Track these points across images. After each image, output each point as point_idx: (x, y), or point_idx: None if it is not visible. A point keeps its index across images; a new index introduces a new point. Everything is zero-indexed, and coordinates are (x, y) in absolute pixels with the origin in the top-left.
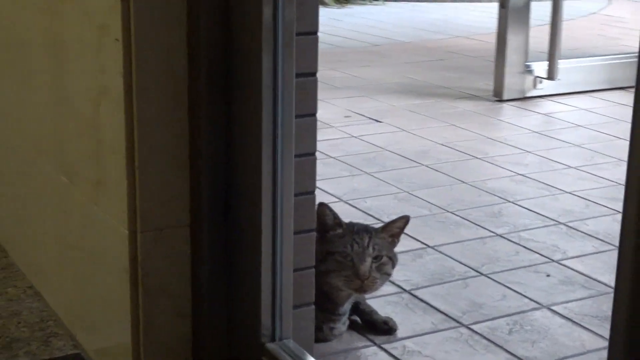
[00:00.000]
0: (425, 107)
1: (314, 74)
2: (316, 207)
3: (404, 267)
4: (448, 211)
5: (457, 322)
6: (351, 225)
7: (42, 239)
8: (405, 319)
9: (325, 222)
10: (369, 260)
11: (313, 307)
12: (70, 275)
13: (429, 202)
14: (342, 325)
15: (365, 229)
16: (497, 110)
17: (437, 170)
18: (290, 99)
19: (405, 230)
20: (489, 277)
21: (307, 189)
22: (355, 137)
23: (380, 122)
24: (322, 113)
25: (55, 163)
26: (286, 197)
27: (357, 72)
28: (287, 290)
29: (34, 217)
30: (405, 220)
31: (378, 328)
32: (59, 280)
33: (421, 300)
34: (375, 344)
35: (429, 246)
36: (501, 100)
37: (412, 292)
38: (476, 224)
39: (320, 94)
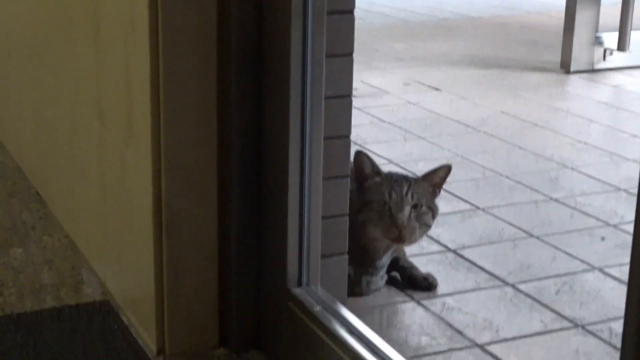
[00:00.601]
0: (488, 77)
1: (349, 54)
2: (353, 155)
3: (450, 228)
4: (503, 175)
5: (502, 281)
6: (390, 174)
7: (77, 186)
8: (447, 277)
9: (363, 170)
10: (407, 208)
11: (345, 257)
12: (102, 221)
13: (483, 167)
14: (379, 279)
15: (405, 178)
16: (563, 81)
17: (495, 137)
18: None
19: (456, 192)
20: (540, 240)
21: (340, 133)
22: (413, 103)
23: (439, 90)
24: (380, 81)
25: (91, 108)
26: (315, 141)
27: (422, 45)
28: (314, 236)
29: (71, 165)
30: (446, 169)
31: (418, 284)
32: (92, 228)
33: (466, 259)
34: (413, 299)
35: (479, 208)
36: (569, 72)
37: (457, 251)
38: (531, 188)
39: (381, 64)
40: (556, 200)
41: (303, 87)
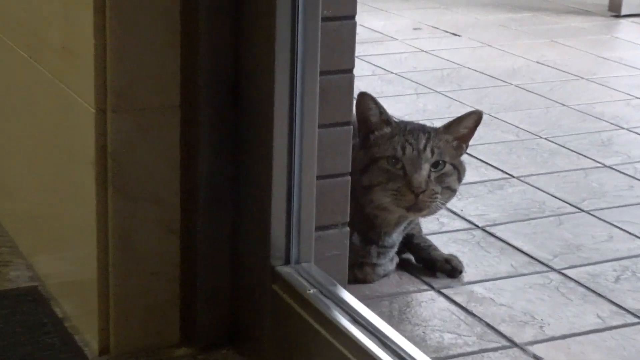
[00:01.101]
0: (519, 22)
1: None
2: (356, 98)
3: (477, 200)
4: (541, 137)
5: (546, 265)
6: (403, 123)
7: (1, 139)
8: (475, 260)
9: (368, 118)
10: (426, 167)
11: (346, 229)
12: (32, 183)
13: (516, 127)
14: (388, 262)
15: (422, 128)
16: (612, 26)
17: (529, 91)
18: None
19: (483, 157)
20: (591, 214)
21: (340, 66)
22: (426, 51)
23: (458, 36)
24: (384, 24)
25: (22, 37)
26: (309, 75)
27: None
28: (307, 201)
29: None
30: (476, 117)
31: (438, 268)
32: (19, 192)
33: (498, 238)
34: (432, 287)
35: (513, 176)
36: (618, 16)
37: (487, 229)
38: (577, 153)
39: (384, 5)
40: (610, 167)
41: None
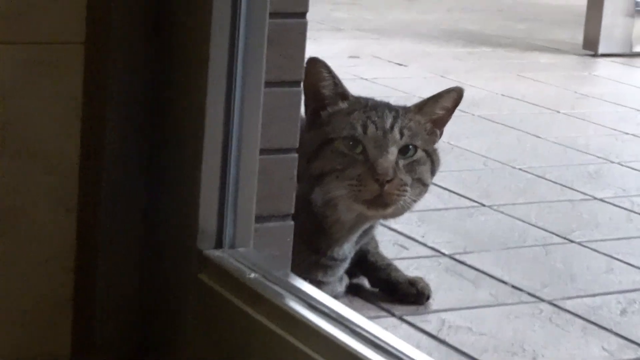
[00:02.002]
0: (477, 54)
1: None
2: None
3: (442, 227)
4: (514, 167)
5: (534, 296)
6: (363, 99)
7: None
8: (444, 287)
9: (319, 90)
10: (393, 150)
11: (291, 224)
12: None
13: (483, 156)
14: (337, 282)
15: (388, 106)
16: (589, 64)
17: (496, 122)
18: None
19: (446, 185)
20: (583, 246)
21: (293, 9)
22: (367, 79)
23: (404, 65)
24: (317, 50)
25: None
26: (253, 21)
27: (374, 15)
28: (246, 176)
29: None
30: (456, 95)
31: (400, 292)
32: None
33: (470, 266)
34: (393, 314)
35: (483, 205)
36: (596, 55)
37: (455, 256)
38: (561, 184)
39: (313, 34)
40: (602, 200)
41: None
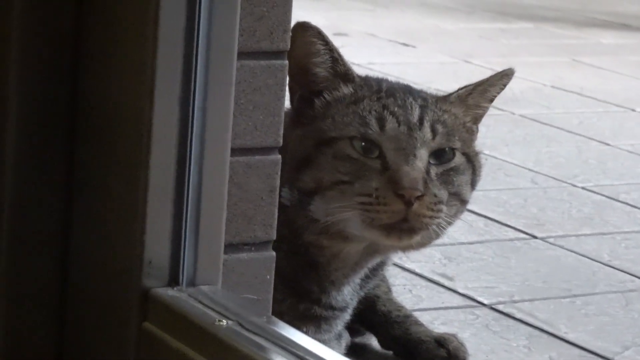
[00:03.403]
0: (513, 33)
1: None
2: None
3: (477, 267)
4: (575, 185)
5: None
6: (374, 80)
7: None
8: (484, 348)
9: (311, 69)
10: (423, 154)
11: (272, 255)
12: None
13: (530, 170)
14: (334, 340)
15: (410, 91)
16: None
17: (544, 124)
18: None
19: (480, 209)
20: None
21: None
22: (358, 65)
23: (411, 46)
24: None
25: None
26: None
27: None
28: (211, 182)
29: None
30: (507, 80)
31: (423, 354)
32: None
33: (520, 321)
34: None
35: (534, 237)
36: None
37: (498, 307)
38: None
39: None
40: None
41: None
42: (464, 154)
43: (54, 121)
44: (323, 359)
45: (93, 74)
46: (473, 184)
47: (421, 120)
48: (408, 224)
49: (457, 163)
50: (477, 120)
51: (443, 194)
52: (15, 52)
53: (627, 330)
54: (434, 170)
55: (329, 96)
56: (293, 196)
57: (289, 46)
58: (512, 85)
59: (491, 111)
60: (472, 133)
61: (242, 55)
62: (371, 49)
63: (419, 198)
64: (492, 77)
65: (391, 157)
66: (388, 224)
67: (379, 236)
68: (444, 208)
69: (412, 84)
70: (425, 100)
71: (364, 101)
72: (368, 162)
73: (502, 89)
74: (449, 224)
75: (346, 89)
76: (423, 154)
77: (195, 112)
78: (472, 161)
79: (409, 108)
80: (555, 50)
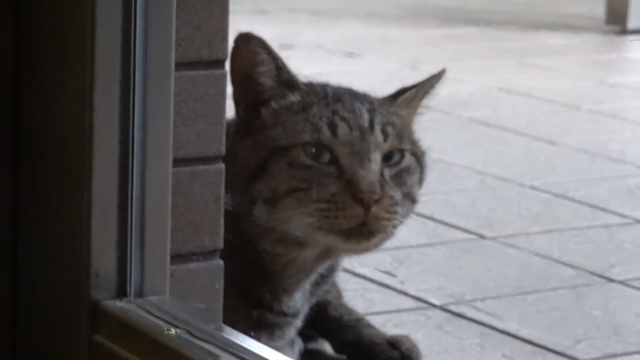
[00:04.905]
0: (459, 39)
1: None
2: (233, 43)
3: (427, 269)
4: (524, 185)
5: (566, 356)
6: (319, 87)
7: None
8: (437, 348)
9: (256, 78)
10: (376, 157)
11: (219, 263)
12: None
13: (478, 171)
14: (287, 347)
15: (355, 95)
16: (616, 45)
17: (492, 125)
18: None
19: (428, 212)
20: (627, 285)
21: None
22: (306, 76)
23: (357, 55)
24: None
25: None
26: None
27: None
28: (155, 192)
29: None
30: (439, 76)
31: (376, 356)
32: None
33: (472, 320)
34: None
35: (483, 237)
36: (624, 32)
37: (450, 307)
38: (591, 205)
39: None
40: None
41: None
42: (413, 154)
43: None
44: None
45: (33, 89)
46: (421, 183)
47: (372, 124)
48: (367, 228)
49: (407, 164)
50: (413, 110)
51: (398, 195)
52: None
53: (579, 324)
54: (387, 173)
55: (276, 105)
56: (242, 201)
57: (227, 55)
58: (459, 89)
59: (439, 115)
60: (414, 133)
61: (181, 65)
62: (318, 59)
63: (377, 201)
64: (431, 78)
65: (346, 162)
66: (347, 229)
67: (338, 241)
68: (399, 209)
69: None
70: (371, 103)
71: (312, 108)
72: (323, 168)
73: (434, 80)
74: (401, 221)
75: (293, 97)
76: (377, 157)
77: (136, 123)
78: (420, 161)
79: (358, 112)
80: (502, 53)
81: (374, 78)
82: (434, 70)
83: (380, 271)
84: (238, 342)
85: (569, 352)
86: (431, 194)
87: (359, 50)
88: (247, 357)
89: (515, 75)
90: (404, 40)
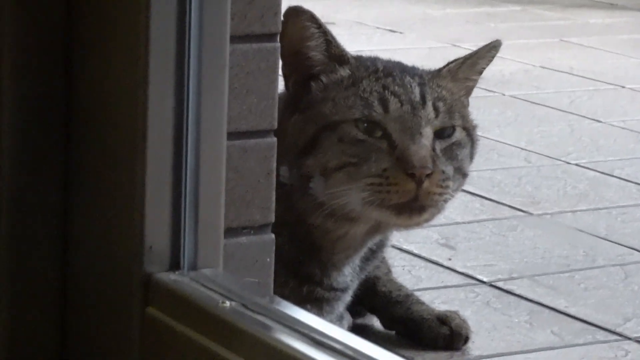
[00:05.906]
0: (500, 17)
1: None
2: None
3: (474, 246)
4: (569, 162)
5: (614, 333)
6: (369, 60)
7: None
8: (486, 326)
9: (306, 52)
10: (428, 132)
11: (271, 237)
12: None
13: (522, 149)
14: (335, 321)
15: (405, 69)
16: None
17: (535, 103)
18: None
19: (474, 189)
20: None
21: None
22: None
23: (399, 33)
24: None
25: None
26: None
27: None
28: (209, 166)
29: None
30: (495, 52)
31: (426, 332)
32: None
33: (521, 297)
34: None
35: (530, 214)
36: None
37: (498, 284)
38: (636, 183)
39: None
40: None
41: None
42: (464, 128)
43: (49, 116)
44: (327, 335)
45: (86, 66)
46: (472, 157)
47: (423, 99)
48: (418, 203)
49: (458, 138)
50: (468, 93)
51: (449, 170)
52: (7, 51)
53: (628, 303)
54: (438, 147)
55: (326, 79)
56: (292, 176)
57: (280, 29)
58: (502, 67)
59: (482, 93)
60: (466, 106)
61: (233, 39)
62: (359, 37)
63: (428, 176)
64: (480, 49)
65: (398, 137)
66: (398, 204)
67: (390, 216)
68: (451, 184)
69: None
70: (421, 77)
71: (362, 82)
72: (374, 143)
73: (491, 60)
74: (453, 194)
75: (343, 71)
76: (428, 132)
77: (190, 97)
78: (471, 135)
79: (409, 87)
80: (543, 32)
81: (416, 56)
82: (475, 48)
83: (429, 247)
84: (292, 314)
85: (618, 330)
86: (476, 171)
87: (401, 28)
88: (301, 329)
89: (557, 54)
90: (444, 19)
